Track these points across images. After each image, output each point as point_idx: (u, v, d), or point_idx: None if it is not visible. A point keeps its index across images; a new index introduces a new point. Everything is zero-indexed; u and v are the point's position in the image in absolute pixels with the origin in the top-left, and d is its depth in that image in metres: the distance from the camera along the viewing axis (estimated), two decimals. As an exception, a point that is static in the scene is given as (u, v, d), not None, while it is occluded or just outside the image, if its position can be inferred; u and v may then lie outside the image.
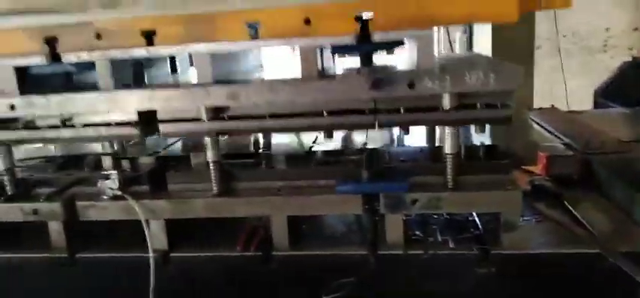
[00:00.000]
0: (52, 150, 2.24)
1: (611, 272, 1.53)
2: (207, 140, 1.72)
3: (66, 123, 1.79)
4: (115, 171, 1.79)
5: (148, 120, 1.75)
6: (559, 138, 2.27)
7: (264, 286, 1.73)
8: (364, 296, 1.62)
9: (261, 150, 2.00)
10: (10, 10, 1.73)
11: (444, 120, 1.61)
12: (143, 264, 1.70)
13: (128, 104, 1.70)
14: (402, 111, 1.61)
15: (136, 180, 1.84)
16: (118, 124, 1.76)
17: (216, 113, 1.69)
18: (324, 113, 1.66)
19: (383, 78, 1.55)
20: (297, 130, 1.77)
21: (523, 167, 2.15)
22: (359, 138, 2.07)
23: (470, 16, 1.60)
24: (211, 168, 1.75)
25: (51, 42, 1.70)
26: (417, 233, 1.75)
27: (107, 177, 1.79)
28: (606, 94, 2.95)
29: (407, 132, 1.88)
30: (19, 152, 2.13)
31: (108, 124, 1.77)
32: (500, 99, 1.56)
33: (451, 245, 1.68)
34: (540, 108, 2.57)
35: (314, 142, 2.07)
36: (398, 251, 1.66)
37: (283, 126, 1.72)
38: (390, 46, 1.77)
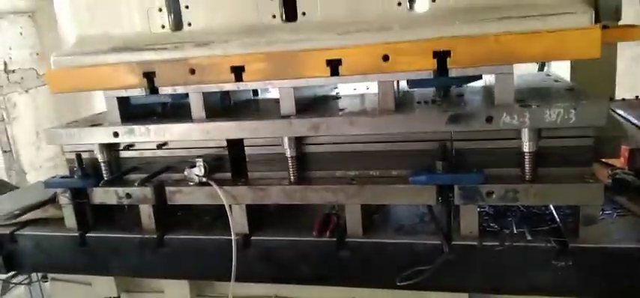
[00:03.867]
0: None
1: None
2: (285, 140, 1.81)
3: (161, 147, 2.00)
4: (201, 159, 1.91)
5: (235, 145, 1.92)
6: (643, 130, 2.17)
7: (339, 270, 1.79)
8: (438, 284, 1.65)
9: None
10: (113, 48, 1.93)
11: (521, 152, 1.62)
12: (225, 246, 1.82)
13: (218, 133, 1.87)
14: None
15: (219, 168, 1.96)
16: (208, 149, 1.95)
17: (299, 143, 1.83)
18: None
19: (461, 113, 1.58)
20: (374, 159, 1.85)
21: (604, 160, 2.08)
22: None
23: (551, 53, 1.56)
24: (289, 158, 1.83)
25: (149, 76, 1.87)
26: (492, 225, 1.75)
27: (193, 165, 1.91)
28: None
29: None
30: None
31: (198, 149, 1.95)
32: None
33: (528, 237, 1.66)
34: (623, 99, 2.45)
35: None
36: (472, 242, 1.67)
37: (361, 152, 1.83)
38: (467, 81, 1.77)
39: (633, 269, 1.57)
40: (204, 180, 1.90)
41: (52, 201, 2.22)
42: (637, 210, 1.82)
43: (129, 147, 2.05)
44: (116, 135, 1.95)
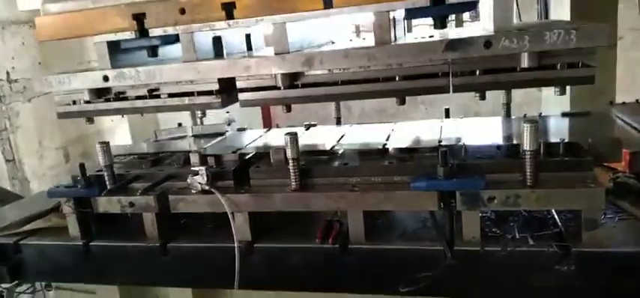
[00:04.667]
0: (144, 148, 2.44)
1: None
2: (287, 138, 1.81)
3: (152, 93, 1.94)
4: (203, 168, 1.92)
5: (227, 90, 1.86)
6: (643, 133, 2.18)
7: (343, 276, 1.80)
8: (441, 290, 1.65)
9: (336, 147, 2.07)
10: None
11: (522, 80, 1.57)
12: (229, 253, 1.83)
13: (210, 72, 1.81)
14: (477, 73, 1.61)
15: (221, 176, 1.96)
16: (200, 93, 1.88)
17: (292, 81, 1.76)
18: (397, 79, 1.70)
19: (458, 39, 1.54)
20: (370, 96, 1.79)
21: (605, 164, 2.08)
22: (433, 136, 2.08)
23: None
24: (290, 165, 1.84)
25: (139, 18, 1.82)
26: (495, 230, 1.75)
27: (196, 173, 1.92)
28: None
29: (483, 97, 1.75)
30: (117, 149, 2.33)
31: (191, 94, 1.89)
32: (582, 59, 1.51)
33: (530, 242, 1.66)
34: (624, 103, 2.46)
35: (387, 139, 2.11)
36: (475, 248, 1.67)
37: (357, 92, 1.75)
38: (464, 8, 1.73)
39: (636, 272, 1.57)
40: (206, 188, 1.91)
41: (56, 210, 2.23)
42: (639, 213, 1.82)
43: (120, 96, 2.00)
44: (106, 78, 1.89)
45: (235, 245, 1.83)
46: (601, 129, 2.09)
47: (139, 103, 1.98)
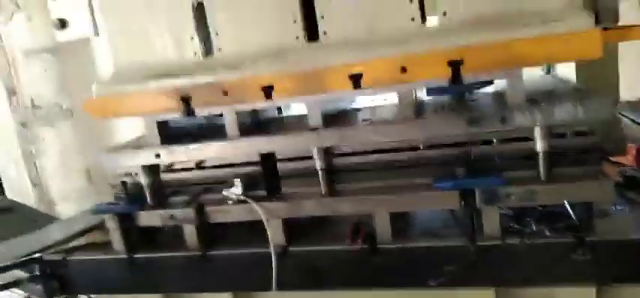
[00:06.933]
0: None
1: None
2: (315, 150, 1.96)
3: (199, 165, 2.16)
4: (238, 179, 2.07)
5: (268, 160, 2.08)
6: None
7: (374, 275, 1.93)
8: (466, 282, 1.78)
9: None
10: (153, 75, 2.09)
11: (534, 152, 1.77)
12: (265, 258, 1.97)
13: (251, 148, 2.03)
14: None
15: (254, 186, 2.11)
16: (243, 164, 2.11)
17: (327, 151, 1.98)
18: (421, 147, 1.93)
19: (477, 115, 1.74)
20: (399, 166, 2.00)
21: (612, 159, 2.21)
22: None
23: (554, 56, 1.75)
24: (319, 172, 1.99)
25: (185, 99, 2.02)
26: (513, 225, 1.88)
27: (231, 185, 2.07)
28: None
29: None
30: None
31: (233, 165, 2.13)
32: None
33: (547, 234, 1.80)
34: (628, 102, 2.59)
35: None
36: (496, 242, 1.80)
37: (387, 161, 1.99)
38: (480, 86, 1.88)
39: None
40: (242, 197, 2.05)
41: (98, 227, 2.38)
42: (648, 204, 1.95)
43: (169, 168, 2.20)
44: (158, 156, 2.11)
45: (271, 249, 1.96)
46: (606, 126, 2.23)
47: (187, 175, 2.27)
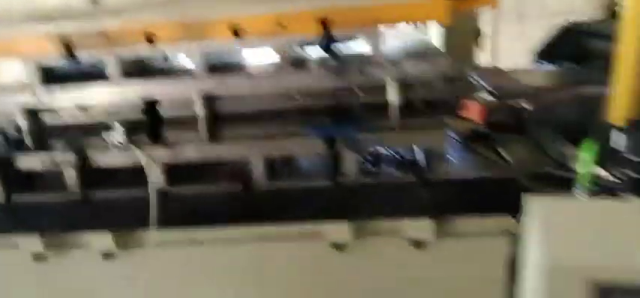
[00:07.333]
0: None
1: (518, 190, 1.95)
2: (195, 96, 2.09)
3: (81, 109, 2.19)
4: (117, 123, 2.13)
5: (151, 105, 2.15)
6: (493, 92, 2.71)
7: (247, 213, 2.11)
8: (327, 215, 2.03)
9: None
10: (31, 15, 2.07)
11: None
12: (147, 201, 2.08)
13: (132, 93, 2.10)
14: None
15: (137, 130, 2.18)
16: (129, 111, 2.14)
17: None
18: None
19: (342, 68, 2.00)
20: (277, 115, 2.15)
21: (464, 116, 2.55)
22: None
23: (407, 18, 2.07)
24: (199, 119, 2.12)
25: (67, 44, 2.03)
26: (370, 167, 2.15)
27: (112, 129, 2.14)
28: (543, 55, 3.38)
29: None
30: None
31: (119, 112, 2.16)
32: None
33: (396, 174, 2.10)
34: (482, 68, 2.98)
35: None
36: (353, 182, 2.07)
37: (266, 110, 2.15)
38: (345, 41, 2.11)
39: (475, 191, 2.06)
40: (123, 142, 2.13)
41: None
42: (485, 153, 2.30)
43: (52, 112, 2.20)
44: (38, 99, 2.12)
45: (150, 190, 2.08)
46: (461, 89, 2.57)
47: (70, 119, 2.23)
